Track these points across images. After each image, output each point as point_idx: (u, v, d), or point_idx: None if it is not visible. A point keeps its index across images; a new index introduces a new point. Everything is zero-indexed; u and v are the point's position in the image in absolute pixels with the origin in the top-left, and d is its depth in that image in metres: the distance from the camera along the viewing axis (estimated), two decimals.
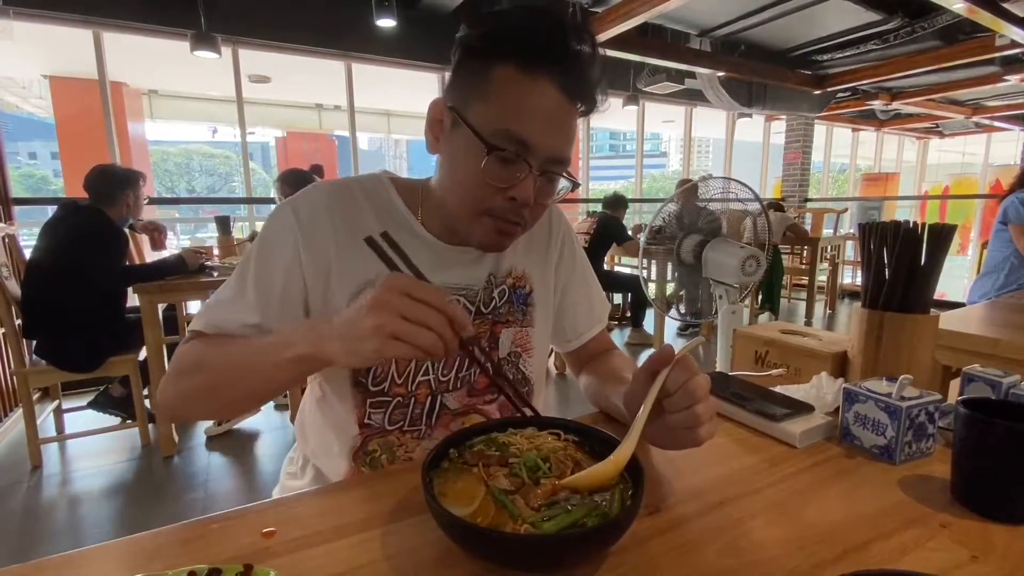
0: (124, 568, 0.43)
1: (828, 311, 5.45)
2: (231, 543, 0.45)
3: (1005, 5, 3.23)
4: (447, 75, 0.62)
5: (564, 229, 0.83)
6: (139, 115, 6.83)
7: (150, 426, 2.43)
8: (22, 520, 1.89)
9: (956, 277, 6.81)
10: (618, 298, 4.76)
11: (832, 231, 5.88)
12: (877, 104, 6.06)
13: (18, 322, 2.16)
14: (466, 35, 0.61)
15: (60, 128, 6.10)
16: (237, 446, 2.46)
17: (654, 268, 4.19)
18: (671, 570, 0.42)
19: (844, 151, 8.89)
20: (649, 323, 4.30)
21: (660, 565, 0.43)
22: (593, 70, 0.60)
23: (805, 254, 5.39)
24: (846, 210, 6.47)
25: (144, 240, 2.75)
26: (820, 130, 6.92)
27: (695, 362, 0.52)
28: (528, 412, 0.63)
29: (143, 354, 2.32)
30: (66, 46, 4.53)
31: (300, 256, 0.65)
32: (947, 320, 1.28)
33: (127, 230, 2.38)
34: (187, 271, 2.34)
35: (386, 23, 3.63)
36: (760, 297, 4.56)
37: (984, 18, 3.27)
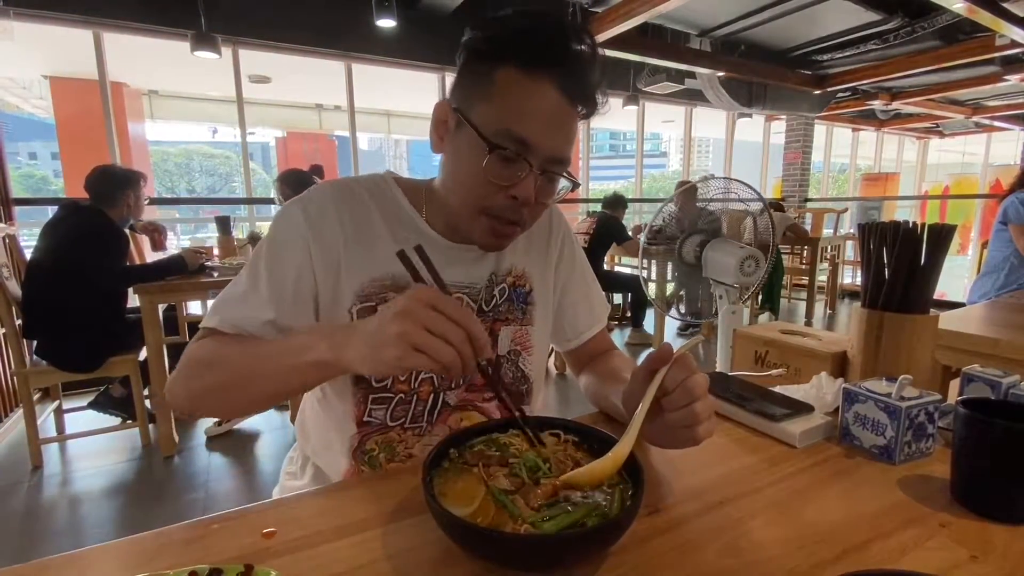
0: (126, 568, 0.43)
1: (828, 311, 5.45)
2: (232, 543, 0.46)
3: (1005, 5, 3.23)
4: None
5: (564, 229, 0.84)
6: (139, 115, 6.83)
7: (150, 426, 2.43)
8: (23, 520, 1.90)
9: (956, 277, 6.81)
10: (618, 298, 4.76)
11: (832, 231, 5.88)
12: (877, 104, 6.06)
13: (18, 322, 2.16)
14: (470, 38, 0.62)
15: (60, 128, 6.11)
16: (237, 446, 2.46)
17: (654, 268, 4.19)
18: (671, 570, 0.42)
19: (844, 151, 8.89)
20: (649, 323, 4.30)
21: (660, 565, 0.43)
22: (593, 72, 0.62)
23: (805, 254, 5.39)
24: (846, 210, 6.47)
25: (144, 240, 2.75)
26: (820, 130, 6.92)
27: (693, 360, 0.52)
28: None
29: (143, 354, 2.32)
30: (66, 46, 4.53)
31: (310, 253, 0.66)
32: (947, 320, 1.28)
33: (127, 230, 2.38)
34: (187, 271, 2.34)
35: (386, 23, 3.63)
36: (760, 297, 4.56)
37: (984, 18, 3.27)
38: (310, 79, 5.97)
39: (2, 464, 2.31)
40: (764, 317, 4.69)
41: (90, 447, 2.41)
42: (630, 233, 4.15)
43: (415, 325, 0.45)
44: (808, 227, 5.53)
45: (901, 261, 0.76)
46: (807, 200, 6.62)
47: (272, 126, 11.54)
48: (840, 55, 4.70)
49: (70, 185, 6.36)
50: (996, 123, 7.45)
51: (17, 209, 2.92)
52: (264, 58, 4.16)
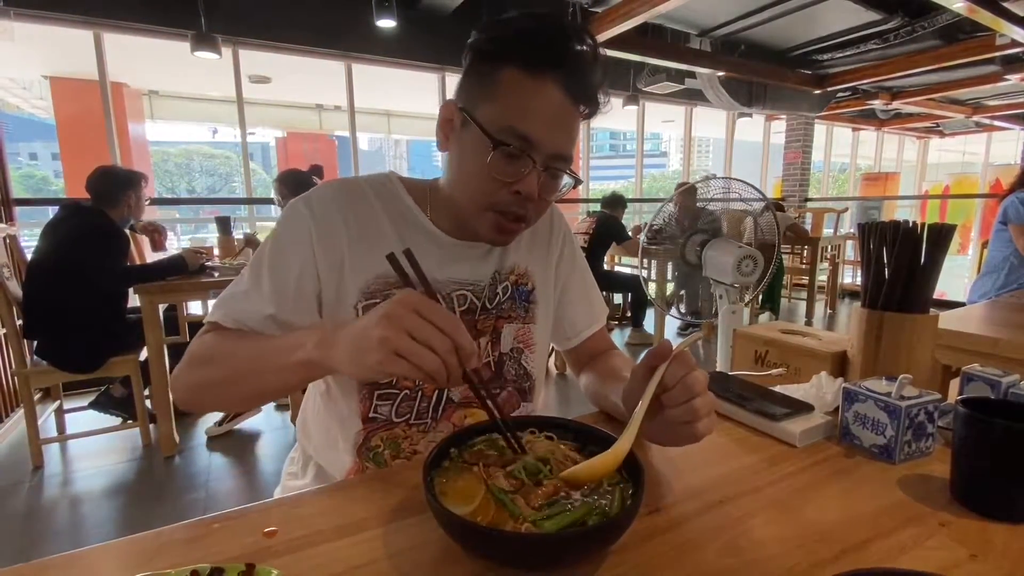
0: (127, 567, 0.43)
1: (828, 311, 5.45)
2: (233, 542, 0.46)
3: (1005, 4, 3.23)
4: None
5: (564, 229, 0.85)
6: (139, 116, 6.84)
7: (151, 426, 2.43)
8: (23, 520, 1.90)
9: (956, 276, 6.81)
10: (618, 298, 4.76)
11: (832, 231, 5.87)
12: (877, 104, 6.06)
13: (19, 322, 2.16)
14: (475, 40, 0.64)
15: (61, 129, 6.11)
16: (238, 446, 2.46)
17: (654, 268, 4.19)
18: (671, 569, 0.43)
19: (844, 151, 8.89)
20: (649, 323, 4.30)
21: (660, 564, 0.43)
22: (594, 72, 0.63)
23: (805, 254, 5.39)
24: (846, 210, 6.47)
25: (144, 241, 2.75)
26: (820, 130, 6.92)
27: (693, 357, 0.52)
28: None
29: (144, 354, 2.32)
30: (66, 47, 4.53)
31: (314, 251, 0.67)
32: (947, 320, 1.28)
33: (127, 231, 2.38)
34: (188, 271, 2.34)
35: (386, 23, 3.63)
36: (760, 297, 4.56)
37: (984, 17, 3.26)
38: (310, 79, 5.97)
39: (3, 464, 2.31)
40: (764, 317, 4.69)
41: (91, 447, 2.41)
42: (630, 233, 4.15)
43: (398, 331, 0.45)
44: (808, 227, 5.53)
45: (901, 261, 0.76)
46: (807, 200, 6.62)
47: (272, 126, 11.54)
48: (840, 55, 4.70)
49: (70, 185, 6.37)
50: (996, 123, 7.44)
51: (18, 209, 2.92)
52: (264, 58, 4.16)
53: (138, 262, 2.76)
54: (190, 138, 23.33)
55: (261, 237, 3.45)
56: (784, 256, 5.14)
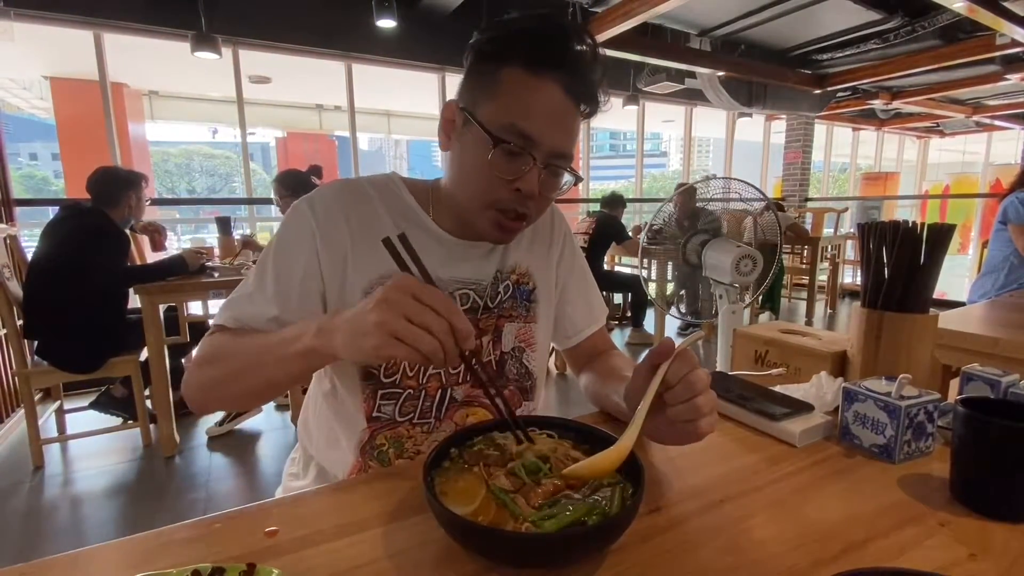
0: (128, 567, 0.43)
1: (829, 311, 5.45)
2: (234, 542, 0.46)
3: (1005, 4, 3.23)
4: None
5: (564, 229, 0.86)
6: (140, 116, 6.84)
7: (151, 426, 2.43)
8: (24, 520, 1.90)
9: (957, 276, 6.81)
10: (618, 298, 4.76)
11: (832, 231, 5.87)
12: (877, 103, 6.05)
13: (19, 323, 2.16)
14: (476, 40, 0.65)
15: (61, 129, 6.11)
16: (238, 446, 2.46)
17: (654, 268, 4.19)
18: (671, 568, 0.43)
19: (844, 150, 8.88)
20: (649, 323, 4.30)
21: (660, 563, 0.43)
22: (594, 71, 0.64)
23: (805, 254, 5.38)
24: (846, 209, 6.47)
25: (144, 241, 2.76)
26: (820, 129, 6.92)
27: (695, 355, 0.52)
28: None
29: (144, 355, 2.32)
30: (67, 47, 4.53)
31: (318, 251, 0.68)
32: (947, 319, 1.28)
33: (127, 231, 2.39)
34: (188, 272, 2.34)
35: (386, 23, 3.63)
36: (760, 297, 4.56)
37: (984, 17, 3.26)
38: (310, 79, 5.97)
39: (4, 464, 2.31)
40: (764, 317, 4.69)
41: (91, 447, 2.41)
42: (630, 233, 4.15)
43: (395, 314, 0.45)
44: (808, 227, 5.53)
45: (901, 261, 0.76)
46: (807, 200, 6.62)
47: (272, 126, 11.53)
48: (840, 54, 4.70)
49: (71, 186, 6.37)
50: (997, 122, 7.44)
51: (18, 210, 2.92)
52: (264, 58, 4.16)
53: (138, 262, 2.76)
54: (190, 138, 23.36)
55: (260, 238, 3.46)
56: (784, 256, 5.13)
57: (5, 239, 2.37)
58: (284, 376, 0.60)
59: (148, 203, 2.46)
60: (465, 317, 0.48)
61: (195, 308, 3.21)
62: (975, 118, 7.09)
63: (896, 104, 6.10)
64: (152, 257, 2.78)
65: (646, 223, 2.62)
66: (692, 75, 4.82)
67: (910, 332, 0.75)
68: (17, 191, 2.97)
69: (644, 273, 4.25)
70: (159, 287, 2.22)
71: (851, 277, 6.39)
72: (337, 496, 0.54)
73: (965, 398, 0.54)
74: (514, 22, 0.64)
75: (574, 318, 0.85)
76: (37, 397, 2.27)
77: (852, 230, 6.30)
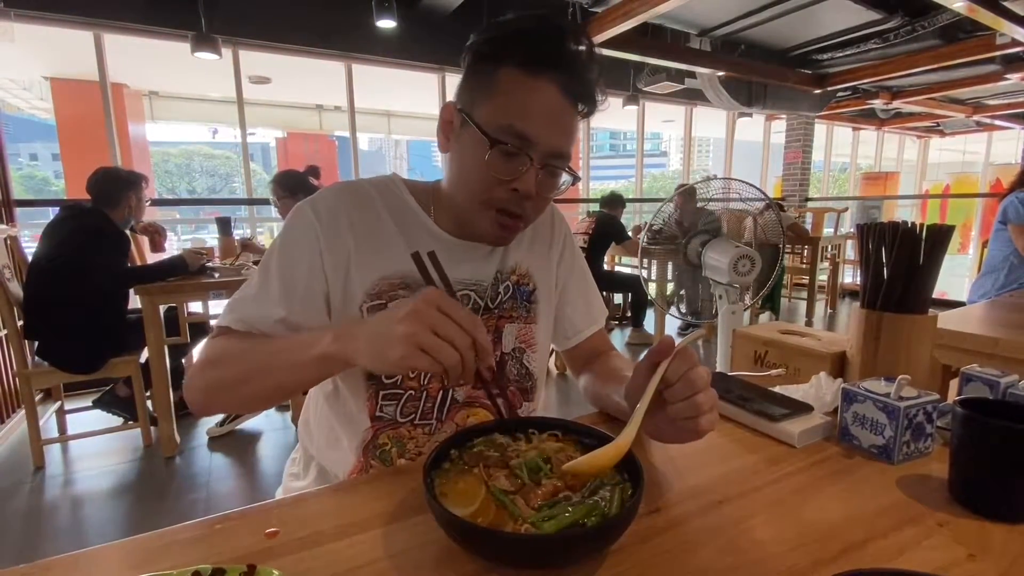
0: (129, 568, 0.43)
1: (829, 311, 5.45)
2: (235, 543, 0.46)
3: (1005, 4, 3.23)
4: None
5: (565, 230, 0.86)
6: (140, 116, 6.84)
7: (152, 427, 2.43)
8: (25, 521, 1.90)
9: (957, 276, 6.81)
10: (618, 298, 4.76)
11: (832, 230, 5.87)
12: (877, 103, 6.05)
13: (20, 323, 2.16)
14: (474, 41, 0.65)
15: (61, 129, 6.11)
16: (239, 447, 2.46)
17: (654, 268, 4.19)
18: (671, 568, 0.43)
19: (844, 150, 8.88)
20: (649, 323, 4.30)
21: (659, 564, 0.43)
22: (590, 71, 0.64)
23: (806, 254, 5.38)
24: (846, 209, 6.47)
25: (144, 241, 2.76)
26: (820, 129, 6.91)
27: (695, 353, 0.52)
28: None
29: (145, 355, 2.33)
30: (67, 48, 4.53)
31: (321, 252, 0.68)
32: (947, 319, 1.28)
33: (127, 231, 2.39)
34: (188, 272, 2.34)
35: (386, 24, 3.63)
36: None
37: (984, 17, 3.26)
38: (310, 79, 5.97)
39: (4, 465, 2.32)
40: (764, 317, 4.69)
41: (92, 448, 2.42)
42: (630, 233, 4.15)
43: (423, 327, 0.46)
44: (808, 226, 5.53)
45: (899, 261, 0.76)
46: (807, 199, 6.62)
47: (272, 127, 11.55)
48: (840, 54, 4.70)
49: (71, 186, 6.37)
50: (997, 122, 7.43)
51: (18, 210, 2.92)
52: (264, 59, 4.16)
53: (138, 263, 2.76)
54: (190, 139, 23.38)
55: (260, 239, 3.46)
56: (784, 256, 5.13)
57: (5, 240, 2.37)
58: (294, 381, 0.60)
59: (148, 203, 2.46)
60: (487, 335, 0.49)
61: (195, 308, 3.22)
62: (975, 118, 7.09)
63: (896, 104, 6.09)
64: (152, 258, 2.78)
65: (646, 223, 2.62)
66: (692, 75, 4.81)
67: (909, 333, 0.76)
68: (17, 192, 2.97)
69: (644, 273, 4.25)
70: (159, 287, 2.22)
71: (851, 277, 6.39)
72: (337, 497, 0.54)
73: (964, 399, 0.54)
74: (511, 23, 0.64)
75: (573, 319, 0.85)
76: (38, 398, 2.27)
77: (852, 230, 6.30)
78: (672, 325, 4.37)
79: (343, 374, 0.72)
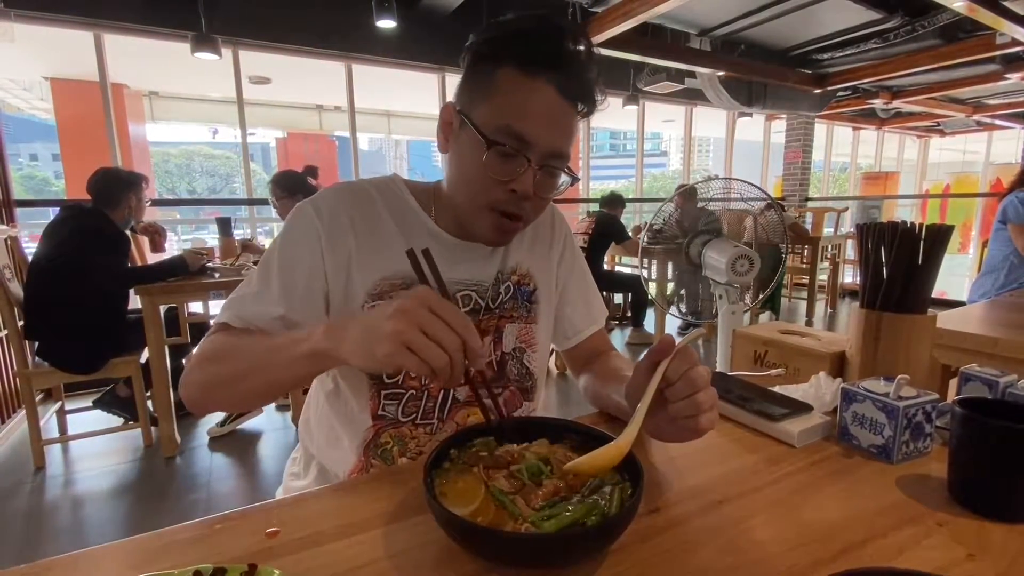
0: (129, 567, 0.43)
1: (829, 310, 5.45)
2: (235, 543, 0.46)
3: (1005, 3, 3.22)
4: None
5: (565, 230, 0.86)
6: (140, 116, 6.84)
7: (152, 427, 2.43)
8: (25, 521, 1.90)
9: (957, 276, 6.81)
10: (618, 298, 4.76)
11: (832, 230, 5.86)
12: (878, 103, 6.05)
13: (20, 323, 2.16)
14: (473, 42, 0.65)
15: (61, 130, 6.11)
16: (239, 447, 2.46)
17: (654, 268, 4.19)
18: (670, 568, 0.43)
19: (845, 150, 8.88)
20: (649, 323, 4.30)
21: (659, 563, 0.43)
22: (589, 71, 0.64)
23: (806, 253, 5.38)
24: (847, 209, 6.46)
25: (144, 241, 2.76)
26: (820, 129, 6.91)
27: (695, 352, 0.53)
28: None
29: (145, 355, 2.33)
30: (67, 48, 4.53)
31: (322, 252, 0.68)
32: (946, 319, 1.28)
33: (128, 232, 2.39)
34: (188, 272, 2.34)
35: (386, 24, 3.63)
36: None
37: (984, 16, 3.26)
38: (310, 80, 5.97)
39: (5, 465, 2.32)
40: (764, 317, 4.69)
41: (92, 448, 2.42)
42: (630, 233, 4.15)
43: (411, 325, 0.45)
44: (809, 226, 5.53)
45: (899, 261, 0.76)
46: (807, 199, 6.62)
47: (272, 127, 11.54)
48: (840, 54, 4.70)
49: (71, 186, 6.37)
50: (997, 121, 7.43)
51: (19, 211, 2.92)
52: (264, 59, 4.16)
53: (139, 263, 2.76)
54: (190, 139, 23.38)
55: (260, 239, 3.46)
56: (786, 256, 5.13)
57: (6, 240, 2.37)
58: (289, 377, 0.59)
59: (148, 204, 2.46)
60: (478, 336, 0.48)
61: (196, 309, 3.22)
62: (975, 117, 7.09)
63: (896, 103, 6.09)
64: (152, 258, 2.78)
65: (646, 223, 2.62)
66: (692, 75, 4.81)
67: (908, 332, 0.76)
68: (18, 192, 2.97)
69: (644, 273, 4.25)
70: (160, 288, 2.22)
71: (851, 277, 6.39)
72: (338, 497, 0.54)
73: (963, 398, 0.54)
74: (509, 23, 0.65)
75: (573, 319, 0.85)
76: (38, 398, 2.27)
77: (852, 230, 6.30)
78: (672, 325, 4.37)
79: (344, 373, 0.72)
